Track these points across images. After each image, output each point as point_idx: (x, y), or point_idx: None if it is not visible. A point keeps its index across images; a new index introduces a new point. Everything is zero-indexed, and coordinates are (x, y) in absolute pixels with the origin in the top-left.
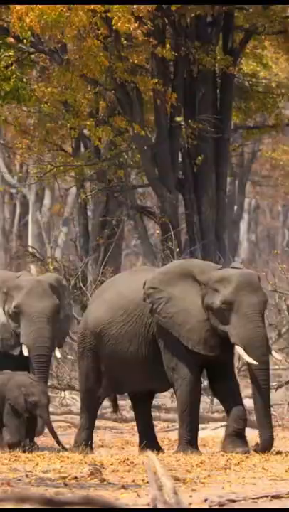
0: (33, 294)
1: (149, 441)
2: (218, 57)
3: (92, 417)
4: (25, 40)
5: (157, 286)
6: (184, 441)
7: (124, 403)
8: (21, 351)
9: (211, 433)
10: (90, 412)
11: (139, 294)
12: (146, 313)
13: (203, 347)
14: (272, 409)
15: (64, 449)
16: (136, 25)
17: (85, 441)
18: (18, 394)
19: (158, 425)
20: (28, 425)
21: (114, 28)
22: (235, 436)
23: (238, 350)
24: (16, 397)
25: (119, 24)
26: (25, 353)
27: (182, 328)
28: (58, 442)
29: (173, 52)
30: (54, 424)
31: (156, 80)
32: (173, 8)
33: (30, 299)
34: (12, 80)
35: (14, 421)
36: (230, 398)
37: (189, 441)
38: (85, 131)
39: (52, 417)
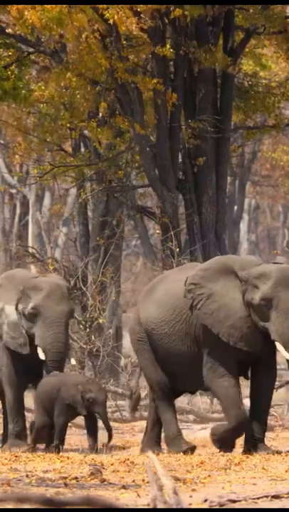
0: (52, 297)
1: (152, 441)
2: (218, 56)
3: (172, 406)
4: (28, 36)
5: (198, 282)
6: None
7: (124, 403)
8: (31, 351)
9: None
10: (167, 401)
11: None
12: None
13: (245, 343)
14: (272, 409)
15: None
16: (134, 19)
17: (176, 434)
18: (76, 392)
19: None
20: (88, 423)
21: (109, 21)
22: (256, 442)
23: (278, 347)
24: (73, 396)
25: (116, 17)
26: (42, 356)
27: (223, 324)
28: (110, 437)
29: (172, 50)
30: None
31: (157, 80)
32: (173, 15)
33: (50, 302)
34: (11, 79)
35: (64, 422)
36: (256, 401)
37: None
38: (86, 132)
39: None
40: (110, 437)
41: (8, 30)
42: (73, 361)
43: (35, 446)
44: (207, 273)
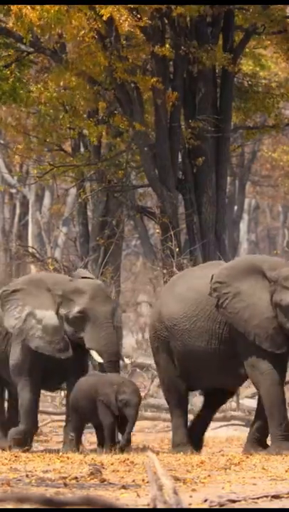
0: (97, 299)
1: (194, 439)
2: (218, 55)
3: (184, 413)
4: (24, 40)
5: (224, 281)
6: (277, 438)
7: None
8: (70, 355)
9: (211, 433)
10: (180, 407)
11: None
12: None
13: (270, 344)
14: None
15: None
16: (130, 18)
17: (184, 442)
18: (110, 391)
19: (158, 425)
20: (120, 424)
21: (103, 17)
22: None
23: None
24: (107, 394)
25: (112, 14)
26: (97, 359)
27: (248, 323)
28: (128, 442)
29: (172, 49)
30: (54, 424)
31: (156, 79)
32: (175, 13)
33: (96, 303)
34: (10, 79)
35: (110, 421)
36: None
37: (285, 437)
38: (85, 131)
39: (52, 417)
40: (128, 443)
41: (10, 26)
42: (126, 360)
43: (79, 445)
44: (233, 271)
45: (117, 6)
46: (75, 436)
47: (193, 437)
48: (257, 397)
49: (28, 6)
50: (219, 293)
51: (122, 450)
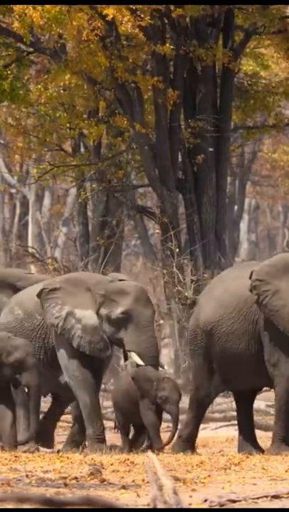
0: (140, 301)
1: (250, 441)
2: (218, 54)
3: (200, 415)
4: (24, 39)
5: (264, 278)
6: (279, 439)
7: None
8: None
9: (211, 433)
10: (197, 409)
11: (247, 290)
12: (253, 309)
13: None
14: (272, 409)
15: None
16: (131, 18)
17: (188, 439)
18: (150, 387)
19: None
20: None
21: (107, 17)
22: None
23: None
24: (147, 391)
25: (114, 14)
26: (139, 361)
27: (287, 322)
28: (169, 442)
29: (172, 47)
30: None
31: (157, 78)
32: (174, 15)
33: (139, 306)
34: (9, 79)
35: (153, 420)
36: None
37: (284, 439)
38: (85, 131)
39: None
40: (171, 439)
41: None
42: (163, 364)
43: (129, 445)
44: (273, 269)
45: (119, 7)
46: (122, 437)
47: (250, 441)
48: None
49: (30, 6)
50: (259, 290)
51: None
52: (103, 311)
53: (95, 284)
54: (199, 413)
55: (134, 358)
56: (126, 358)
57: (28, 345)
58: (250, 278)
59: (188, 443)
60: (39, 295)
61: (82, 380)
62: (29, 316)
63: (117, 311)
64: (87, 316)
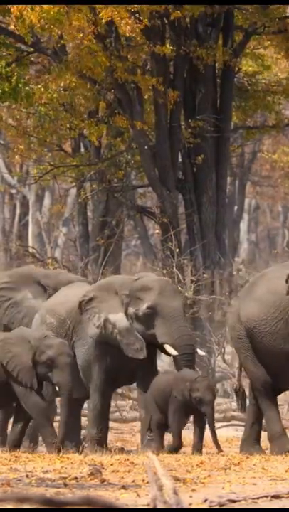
0: (165, 294)
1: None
2: (218, 54)
3: (276, 405)
4: (26, 39)
5: None
6: None
7: (124, 403)
8: (148, 354)
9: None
10: (270, 399)
11: None
12: None
13: None
14: None
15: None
16: (129, 21)
17: (279, 433)
18: (184, 388)
19: None
20: (196, 423)
21: (103, 19)
22: None
23: None
24: (181, 390)
25: (112, 16)
26: (172, 352)
27: None
28: (216, 443)
29: (172, 47)
30: (54, 424)
31: (157, 79)
32: (173, 17)
33: (165, 298)
34: (13, 78)
35: (180, 420)
36: None
37: None
38: (85, 131)
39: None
40: (215, 442)
41: (12, 28)
42: (201, 352)
43: (160, 444)
44: None
45: (117, 8)
46: (154, 436)
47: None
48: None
49: (28, 7)
50: None
51: (198, 450)
52: (131, 311)
53: (120, 286)
54: (273, 405)
55: (168, 349)
56: (165, 352)
57: (63, 345)
58: (286, 281)
59: (284, 437)
60: (79, 307)
61: (100, 384)
62: (62, 323)
63: (143, 308)
64: (119, 319)
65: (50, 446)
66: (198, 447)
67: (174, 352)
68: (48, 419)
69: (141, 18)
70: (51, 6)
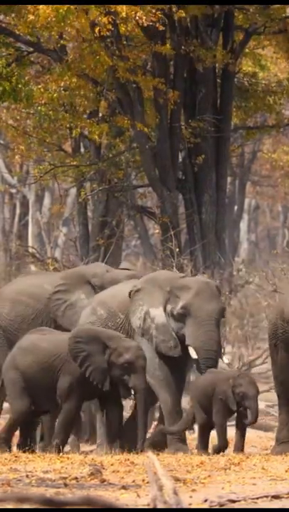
0: (202, 296)
1: None
2: (218, 55)
3: None
4: (30, 37)
5: None
6: None
7: (125, 403)
8: (181, 353)
9: (211, 433)
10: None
11: None
12: None
13: None
14: (272, 409)
15: None
16: (142, 13)
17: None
18: (227, 387)
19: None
20: (238, 422)
21: (121, 15)
22: None
23: None
24: (225, 391)
25: (124, 13)
26: (193, 355)
27: None
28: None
29: (172, 48)
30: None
31: (158, 79)
32: (177, 16)
33: (199, 300)
34: (14, 78)
35: (223, 420)
36: None
37: None
38: (85, 132)
39: None
40: (254, 418)
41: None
42: (226, 359)
43: (205, 445)
44: None
45: (129, 6)
46: (199, 437)
47: None
48: None
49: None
50: None
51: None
52: (168, 308)
53: (164, 281)
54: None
55: (191, 352)
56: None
57: (139, 348)
58: None
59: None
60: (130, 297)
61: (163, 379)
62: (112, 316)
63: (178, 307)
64: (158, 314)
65: (50, 448)
66: (239, 447)
67: (194, 355)
68: (72, 426)
69: (154, 11)
70: (59, 5)
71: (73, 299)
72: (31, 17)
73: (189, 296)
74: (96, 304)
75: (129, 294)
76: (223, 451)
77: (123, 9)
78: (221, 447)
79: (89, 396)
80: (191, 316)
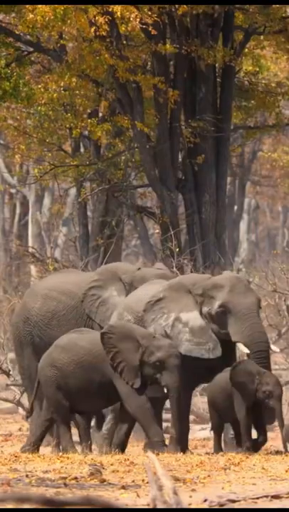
0: (237, 291)
1: None
2: (219, 54)
3: None
4: (29, 36)
5: None
6: None
7: None
8: (221, 353)
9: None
10: None
11: None
12: None
13: None
14: None
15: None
16: (138, 14)
17: None
18: (248, 380)
19: None
20: (255, 416)
21: (116, 15)
22: None
23: None
24: (245, 384)
25: (120, 13)
26: (245, 350)
27: None
28: (284, 441)
29: (174, 46)
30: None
31: (159, 78)
32: (180, 11)
33: (236, 296)
34: (13, 77)
35: (247, 417)
36: None
37: None
38: (85, 132)
39: None
40: (280, 420)
41: (13, 30)
42: (275, 348)
43: (220, 445)
44: None
45: (125, 6)
46: (214, 437)
47: None
48: None
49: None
50: None
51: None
52: (205, 310)
53: (193, 285)
54: None
55: (241, 347)
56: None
57: (172, 346)
58: None
59: None
60: (144, 309)
61: (185, 383)
62: (139, 321)
63: (215, 306)
64: (193, 317)
65: (157, 445)
66: (262, 444)
67: (246, 350)
68: (154, 418)
69: (150, 13)
70: (57, 5)
71: (106, 295)
72: (31, 15)
73: (225, 294)
74: (123, 309)
75: (145, 306)
76: (250, 451)
77: (118, 9)
78: (249, 447)
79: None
80: (232, 313)
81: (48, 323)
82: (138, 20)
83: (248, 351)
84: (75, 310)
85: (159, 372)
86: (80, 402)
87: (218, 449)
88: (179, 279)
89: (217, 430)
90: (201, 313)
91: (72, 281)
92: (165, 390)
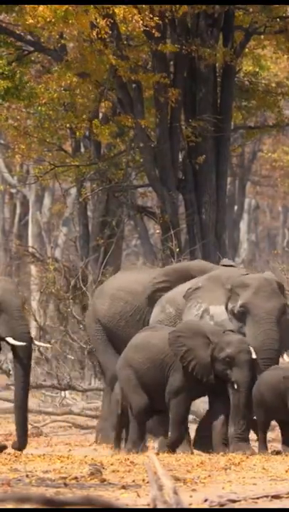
0: (261, 294)
1: None
2: (220, 51)
3: None
4: (30, 35)
5: None
6: None
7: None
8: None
9: None
10: None
11: None
12: None
13: None
14: None
15: None
16: (139, 16)
17: None
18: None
19: None
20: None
21: (116, 17)
22: None
23: None
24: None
25: (122, 15)
26: (252, 355)
27: None
28: None
29: (176, 45)
30: (54, 424)
31: (160, 75)
32: (181, 12)
33: (258, 298)
34: (16, 77)
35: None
36: None
37: None
38: (86, 132)
39: (52, 417)
40: None
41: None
42: (287, 358)
43: (266, 444)
44: None
45: (127, 7)
46: (260, 435)
47: None
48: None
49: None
50: None
51: None
52: (229, 306)
53: (226, 279)
54: None
55: (251, 351)
56: None
57: (242, 342)
58: None
59: None
60: (184, 295)
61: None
62: (181, 314)
63: (238, 305)
64: (219, 312)
65: (173, 446)
66: None
67: (254, 355)
68: (184, 424)
69: (151, 16)
70: (58, 6)
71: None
72: (30, 20)
73: (248, 294)
74: (165, 302)
75: (186, 291)
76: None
77: (120, 11)
78: None
79: (198, 393)
80: (250, 315)
81: (117, 324)
82: (140, 22)
83: (254, 356)
84: (142, 310)
85: (229, 368)
86: (156, 401)
87: (263, 447)
88: (219, 271)
89: (262, 429)
90: (226, 308)
91: (140, 280)
92: (235, 386)
